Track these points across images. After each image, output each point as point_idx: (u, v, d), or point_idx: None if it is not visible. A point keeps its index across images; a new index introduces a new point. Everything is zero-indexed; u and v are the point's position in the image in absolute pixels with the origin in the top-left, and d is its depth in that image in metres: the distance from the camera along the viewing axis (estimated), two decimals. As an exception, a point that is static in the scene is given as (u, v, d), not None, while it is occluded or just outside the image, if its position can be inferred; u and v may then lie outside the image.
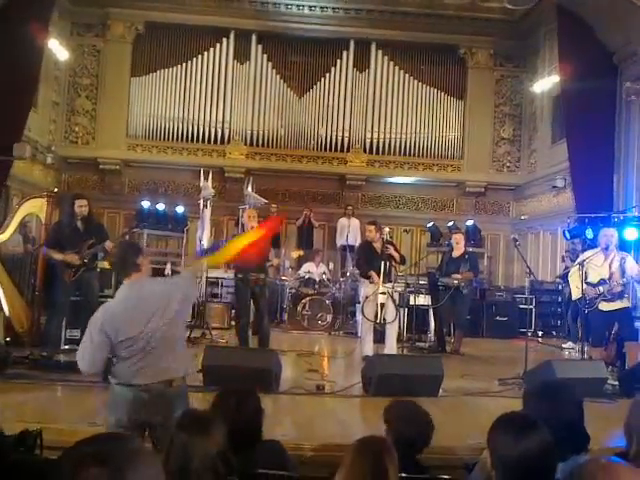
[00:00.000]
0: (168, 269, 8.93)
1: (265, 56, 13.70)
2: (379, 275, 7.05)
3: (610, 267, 6.57)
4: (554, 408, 2.36)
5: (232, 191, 13.12)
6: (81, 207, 6.47)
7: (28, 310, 6.85)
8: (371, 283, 7.21)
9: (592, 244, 7.77)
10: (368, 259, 7.31)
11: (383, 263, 7.05)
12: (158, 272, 8.38)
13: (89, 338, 3.01)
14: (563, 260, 10.41)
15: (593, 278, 6.60)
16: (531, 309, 10.30)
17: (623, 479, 1.53)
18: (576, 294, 6.85)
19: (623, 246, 7.40)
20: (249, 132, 13.51)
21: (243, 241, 4.06)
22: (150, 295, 3.11)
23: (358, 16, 13.44)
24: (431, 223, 12.69)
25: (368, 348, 7.11)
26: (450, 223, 12.10)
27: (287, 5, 13.38)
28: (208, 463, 1.99)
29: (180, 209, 11.73)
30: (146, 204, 11.41)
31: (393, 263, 7.30)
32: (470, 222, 12.47)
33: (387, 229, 7.47)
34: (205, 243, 9.65)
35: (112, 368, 3.06)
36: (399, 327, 7.45)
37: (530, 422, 2.04)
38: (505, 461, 1.96)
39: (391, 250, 7.15)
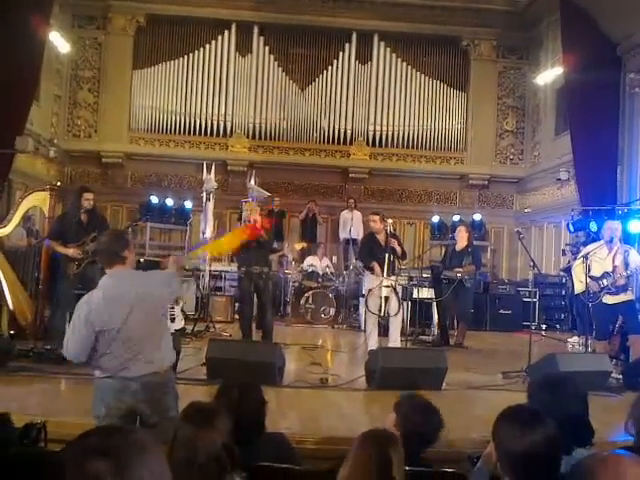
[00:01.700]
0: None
1: (267, 48, 13.65)
2: (382, 267, 7.03)
3: (614, 260, 6.54)
4: (559, 401, 2.35)
5: (235, 184, 13.10)
6: (88, 200, 6.49)
7: (32, 303, 6.85)
8: (372, 274, 7.19)
9: (596, 237, 7.74)
10: (371, 251, 7.30)
11: (387, 255, 7.02)
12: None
13: (73, 329, 3.01)
14: (564, 253, 10.38)
15: (596, 271, 6.56)
16: (535, 302, 10.25)
17: (629, 472, 1.52)
18: (579, 288, 6.82)
19: (627, 239, 7.37)
20: (251, 125, 13.48)
21: (226, 242, 4.11)
22: (130, 288, 3.07)
23: (360, 8, 13.37)
24: (437, 218, 12.63)
25: (373, 342, 7.10)
26: (456, 217, 12.02)
27: (289, -3, 13.32)
28: (213, 455, 1.99)
29: (188, 204, 11.70)
30: (154, 199, 11.42)
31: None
32: (478, 216, 12.38)
33: (390, 220, 7.43)
34: (208, 236, 9.65)
35: (97, 361, 3.04)
36: (402, 320, 7.44)
37: (535, 415, 2.03)
38: (510, 454, 1.95)
39: (394, 243, 7.13)
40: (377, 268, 7.10)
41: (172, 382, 3.25)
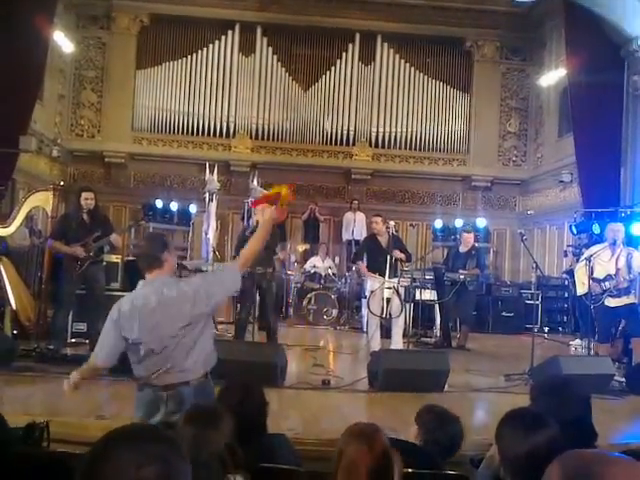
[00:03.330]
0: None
1: (270, 49, 13.66)
2: (384, 269, 7.01)
3: (617, 263, 6.52)
4: (562, 404, 2.34)
5: (237, 185, 13.12)
6: (87, 200, 6.47)
7: (34, 303, 6.86)
8: (358, 275, 7.27)
9: (599, 239, 7.73)
10: (372, 253, 7.29)
11: (389, 257, 7.01)
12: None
13: (103, 332, 2.95)
14: (566, 255, 10.37)
15: (599, 274, 6.55)
16: (537, 304, 10.23)
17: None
18: (581, 290, 6.81)
19: (630, 241, 7.35)
20: (254, 125, 13.49)
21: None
22: (160, 301, 2.89)
23: (364, 9, 13.37)
24: (440, 224, 12.55)
25: (375, 344, 7.09)
26: (459, 222, 11.93)
27: (292, -3, 13.33)
28: (216, 456, 1.99)
29: (193, 208, 11.61)
30: (159, 203, 11.39)
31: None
32: (482, 223, 12.30)
33: (392, 222, 7.43)
34: (211, 237, 9.64)
35: (132, 370, 2.98)
36: (405, 322, 7.44)
37: (539, 418, 2.02)
38: (513, 456, 1.95)
39: (397, 253, 7.12)
40: (362, 267, 7.28)
41: (207, 392, 2.98)
